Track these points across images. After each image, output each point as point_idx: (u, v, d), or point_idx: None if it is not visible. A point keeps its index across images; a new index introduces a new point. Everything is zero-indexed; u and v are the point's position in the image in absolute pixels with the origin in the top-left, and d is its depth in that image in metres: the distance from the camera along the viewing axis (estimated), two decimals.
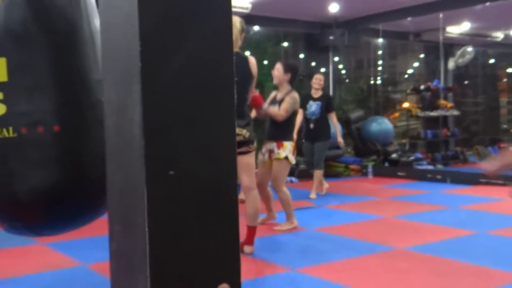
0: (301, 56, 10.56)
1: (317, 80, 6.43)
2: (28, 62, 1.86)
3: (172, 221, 1.07)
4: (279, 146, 4.46)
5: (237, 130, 3.53)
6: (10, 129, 1.83)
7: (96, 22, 2.00)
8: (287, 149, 4.47)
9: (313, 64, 10.48)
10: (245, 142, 3.65)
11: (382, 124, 9.52)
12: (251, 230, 3.80)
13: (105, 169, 1.98)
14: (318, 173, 6.33)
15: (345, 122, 9.16)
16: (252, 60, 3.79)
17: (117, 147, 1.15)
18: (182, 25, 1.10)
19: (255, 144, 3.79)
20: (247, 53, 3.90)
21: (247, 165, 3.69)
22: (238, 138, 3.54)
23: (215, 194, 1.13)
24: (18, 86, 1.84)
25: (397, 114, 11.92)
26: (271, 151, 4.52)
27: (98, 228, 5.22)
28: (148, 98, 1.05)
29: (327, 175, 8.52)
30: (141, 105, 1.05)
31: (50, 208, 1.94)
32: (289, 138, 4.58)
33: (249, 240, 3.78)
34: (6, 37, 1.83)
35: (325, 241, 4.32)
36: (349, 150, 9.70)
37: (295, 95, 4.66)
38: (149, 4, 1.05)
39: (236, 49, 3.64)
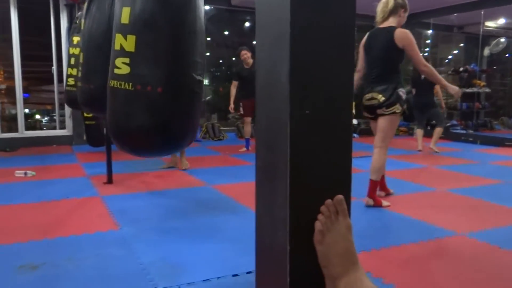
0: None
1: None
2: (149, 40, 1.96)
3: (306, 145, 1.10)
4: None
5: (373, 95, 3.22)
6: (130, 84, 1.97)
7: (201, 19, 2.08)
8: None
9: None
10: (380, 106, 3.20)
11: None
12: (372, 184, 3.31)
13: (185, 120, 2.15)
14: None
15: None
16: (398, 33, 3.19)
17: (267, 92, 1.18)
18: (319, 6, 1.10)
19: (394, 108, 3.18)
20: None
21: (379, 127, 3.27)
22: (372, 102, 3.23)
23: (336, 129, 1.15)
24: (141, 56, 1.97)
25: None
26: None
27: (219, 162, 5.45)
28: (294, 56, 1.07)
29: None
30: (289, 61, 1.07)
31: (149, 140, 2.10)
32: None
33: (370, 193, 3.31)
34: (139, 21, 1.93)
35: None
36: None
37: None
38: None
39: (385, 24, 3.27)
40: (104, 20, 3.08)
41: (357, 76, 3.45)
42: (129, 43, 1.92)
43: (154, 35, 1.92)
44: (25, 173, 4.37)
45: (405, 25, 3.43)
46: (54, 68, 7.11)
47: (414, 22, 8.96)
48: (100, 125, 4.47)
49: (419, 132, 6.45)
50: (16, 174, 4.36)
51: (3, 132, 6.85)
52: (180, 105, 2.00)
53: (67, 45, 6.90)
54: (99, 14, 3.07)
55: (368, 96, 3.30)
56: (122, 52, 1.94)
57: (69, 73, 5.09)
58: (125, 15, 1.91)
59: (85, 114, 5.76)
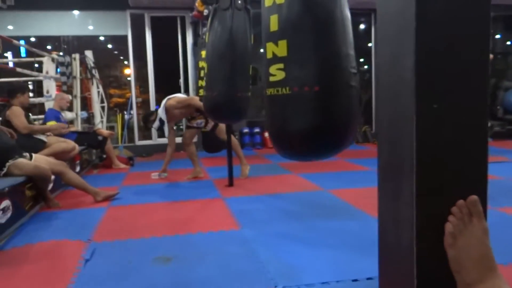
0: (497, 36, 9.15)
1: None
2: (300, 42, 1.95)
3: (434, 141, 1.04)
4: None
5: None
6: (287, 88, 1.96)
7: (346, 10, 2.00)
8: None
9: (508, 43, 9.05)
10: None
11: None
12: None
13: (346, 116, 2.05)
14: None
15: None
16: None
17: (389, 88, 1.14)
18: None
19: None
20: None
21: None
22: None
23: (468, 124, 1.06)
24: (294, 59, 1.95)
25: None
26: None
27: (336, 166, 5.40)
28: (420, 49, 1.02)
29: None
30: (414, 55, 1.02)
31: (310, 142, 2.04)
32: None
33: None
34: (287, 25, 1.94)
35: None
36: None
37: None
38: None
39: None
40: (226, 31, 3.29)
41: None
42: (280, 48, 1.96)
43: (303, 36, 1.93)
44: (159, 175, 4.85)
45: None
46: (181, 80, 7.79)
47: None
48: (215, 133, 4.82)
49: None
50: (152, 176, 4.87)
51: (139, 140, 7.71)
52: (338, 101, 1.97)
53: (192, 59, 7.51)
54: (221, 26, 3.29)
55: None
56: (275, 59, 1.99)
57: (199, 85, 5.56)
58: (273, 22, 1.97)
59: None
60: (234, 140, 4.68)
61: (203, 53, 5.43)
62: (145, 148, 7.36)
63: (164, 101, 4.63)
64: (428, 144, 1.03)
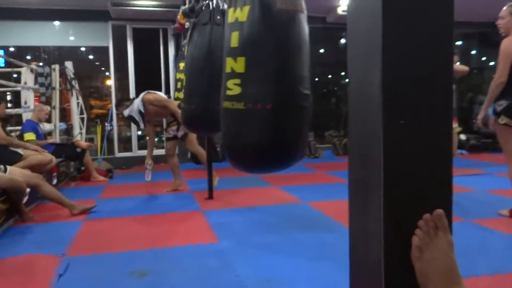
0: (473, 52, 9.43)
1: None
2: (258, 61, 2.02)
3: (401, 157, 1.06)
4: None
5: None
6: (242, 103, 2.03)
7: (305, 35, 2.10)
8: None
9: (483, 58, 9.33)
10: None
11: None
12: None
13: (296, 135, 2.13)
14: None
15: None
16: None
17: (358, 103, 1.17)
18: (412, 13, 1.06)
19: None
20: None
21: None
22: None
23: (434, 139, 1.09)
24: (250, 76, 2.04)
25: None
26: None
27: (316, 179, 5.43)
28: (386, 66, 1.05)
29: (495, 150, 7.55)
30: (381, 71, 1.05)
31: (260, 157, 2.12)
32: None
33: None
34: (247, 43, 2.01)
35: (497, 201, 3.85)
36: None
37: None
38: (389, 1, 1.04)
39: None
40: (205, 44, 3.31)
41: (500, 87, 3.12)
42: (239, 64, 2.03)
43: (261, 55, 2.01)
44: (147, 168, 4.78)
45: None
46: (163, 93, 7.77)
47: None
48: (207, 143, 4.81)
49: None
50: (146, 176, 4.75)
51: (119, 152, 7.62)
52: (289, 120, 2.05)
53: (174, 71, 7.51)
54: (201, 39, 3.31)
55: None
56: (233, 74, 2.05)
57: (176, 96, 5.53)
58: (234, 39, 2.03)
59: None
60: (202, 152, 4.64)
61: (181, 65, 5.43)
62: (125, 160, 7.28)
63: (142, 94, 4.58)
64: (394, 159, 1.05)
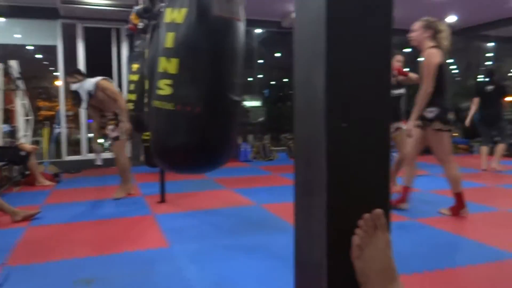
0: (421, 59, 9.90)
1: None
2: (190, 64, 2.03)
3: (343, 160, 1.09)
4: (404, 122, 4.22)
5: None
6: (172, 104, 2.04)
7: (241, 43, 2.13)
8: None
9: None
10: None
11: None
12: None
13: (223, 139, 2.17)
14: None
15: (456, 111, 8.43)
16: None
17: (304, 107, 1.18)
18: (353, 22, 1.10)
19: (434, 125, 3.35)
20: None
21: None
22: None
23: (373, 141, 1.12)
24: (182, 78, 2.06)
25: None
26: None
27: (270, 181, 5.46)
28: (329, 71, 1.07)
29: None
30: (324, 76, 1.07)
31: (186, 158, 2.15)
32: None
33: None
34: (182, 45, 2.02)
35: (440, 201, 4.05)
36: (456, 133, 8.91)
37: None
38: (333, 8, 1.07)
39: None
40: None
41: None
42: (172, 65, 2.02)
43: (195, 58, 2.01)
44: (96, 153, 4.64)
45: (464, 39, 3.42)
46: None
47: (473, 35, 8.61)
48: None
49: (483, 149, 6.03)
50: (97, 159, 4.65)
51: (68, 155, 7.32)
52: (217, 124, 2.06)
53: (127, 72, 7.33)
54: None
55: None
56: (165, 75, 2.04)
57: (128, 98, 5.38)
58: (169, 39, 2.02)
59: (144, 136, 6.01)
60: (125, 162, 4.45)
61: (135, 66, 5.31)
62: (74, 164, 7.00)
63: (99, 77, 4.39)
64: (337, 161, 1.07)
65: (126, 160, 4.52)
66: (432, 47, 3.33)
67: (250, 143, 8.17)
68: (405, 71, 4.25)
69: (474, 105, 5.97)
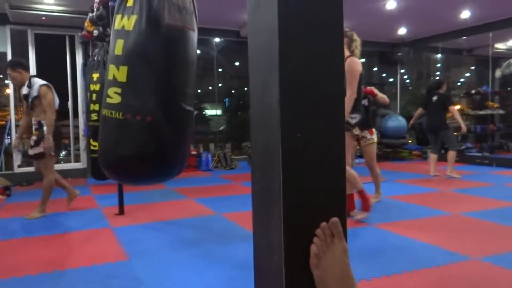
0: (375, 69, 10.23)
1: None
2: (140, 72, 2.01)
3: (299, 168, 1.11)
4: (371, 132, 4.37)
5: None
6: (120, 113, 2.01)
7: (193, 53, 2.13)
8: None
9: (384, 75, 10.17)
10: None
11: None
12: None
13: (174, 149, 2.16)
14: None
15: (409, 119, 8.79)
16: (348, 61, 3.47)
17: (260, 117, 1.20)
18: (306, 33, 1.12)
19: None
20: None
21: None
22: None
23: (328, 151, 1.15)
24: (131, 87, 2.03)
25: (449, 114, 11.49)
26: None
27: (231, 190, 5.44)
28: (283, 81, 1.09)
29: (395, 159, 8.23)
30: (279, 86, 1.09)
31: (135, 168, 2.12)
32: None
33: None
34: (131, 53, 2.00)
35: (396, 206, 4.18)
36: (410, 140, 9.26)
37: None
38: (285, 19, 1.09)
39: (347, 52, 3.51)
40: None
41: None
42: (121, 73, 1.98)
43: (145, 66, 1.98)
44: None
45: (413, 50, 3.64)
46: (70, 103, 7.31)
47: (422, 46, 9.01)
48: None
49: (432, 156, 6.29)
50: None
51: (19, 167, 6.99)
52: (169, 134, 2.04)
53: (82, 81, 7.11)
54: None
55: None
56: (114, 82, 2.00)
57: (91, 108, 5.23)
58: (118, 46, 1.98)
59: (91, 148, 5.79)
60: (51, 179, 4.14)
61: (95, 75, 5.18)
62: (26, 176, 6.69)
63: (43, 82, 4.01)
64: (293, 171, 1.09)
65: (53, 179, 4.15)
66: (350, 56, 3.50)
67: (211, 152, 8.13)
68: (375, 92, 4.49)
69: (416, 113, 6.49)
